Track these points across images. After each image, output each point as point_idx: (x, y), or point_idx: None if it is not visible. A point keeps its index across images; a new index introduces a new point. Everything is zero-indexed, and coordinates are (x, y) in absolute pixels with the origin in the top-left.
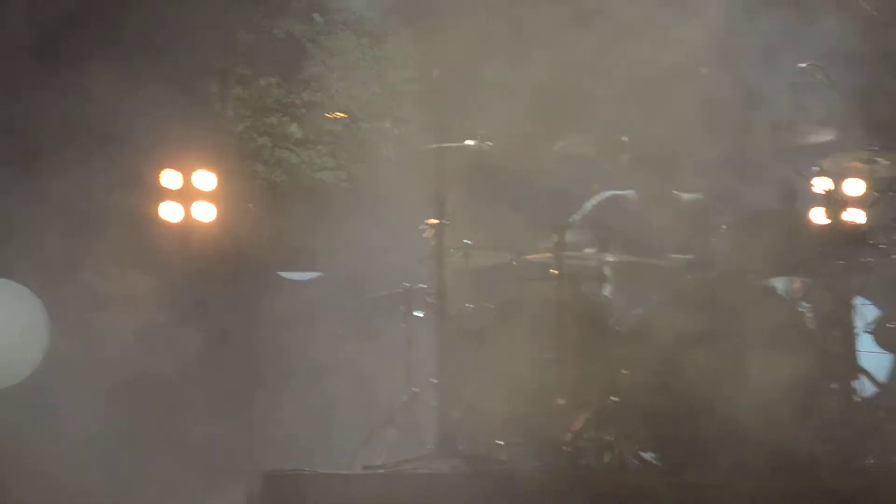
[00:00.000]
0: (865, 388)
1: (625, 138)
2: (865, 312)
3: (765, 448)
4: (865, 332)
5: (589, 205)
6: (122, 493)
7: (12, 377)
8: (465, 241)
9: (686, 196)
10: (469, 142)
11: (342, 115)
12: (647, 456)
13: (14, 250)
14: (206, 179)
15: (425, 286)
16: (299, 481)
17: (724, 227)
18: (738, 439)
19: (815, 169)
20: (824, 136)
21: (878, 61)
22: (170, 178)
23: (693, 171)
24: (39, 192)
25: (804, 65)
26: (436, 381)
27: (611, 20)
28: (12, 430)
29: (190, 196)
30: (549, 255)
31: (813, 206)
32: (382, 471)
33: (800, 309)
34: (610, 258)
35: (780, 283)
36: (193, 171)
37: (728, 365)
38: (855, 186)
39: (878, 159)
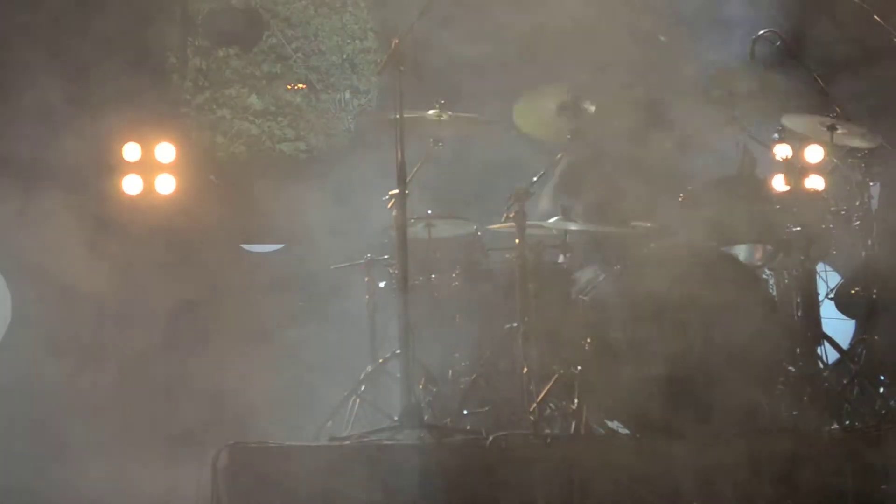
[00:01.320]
0: (828, 354)
1: (591, 107)
2: (827, 279)
3: (730, 415)
4: (828, 298)
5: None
6: (85, 464)
7: None
8: (428, 211)
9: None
10: (429, 112)
11: (302, 85)
12: (612, 424)
13: None
14: (165, 151)
15: (388, 257)
16: (263, 453)
17: (682, 194)
18: (702, 406)
19: (775, 136)
20: (784, 104)
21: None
22: (130, 151)
23: (653, 140)
24: None
25: (763, 31)
26: (399, 351)
27: None
28: None
29: (150, 168)
30: (512, 224)
31: (773, 173)
32: (348, 442)
33: (762, 276)
34: (572, 227)
35: (741, 251)
36: (153, 143)
37: (691, 333)
38: (814, 153)
39: (838, 126)
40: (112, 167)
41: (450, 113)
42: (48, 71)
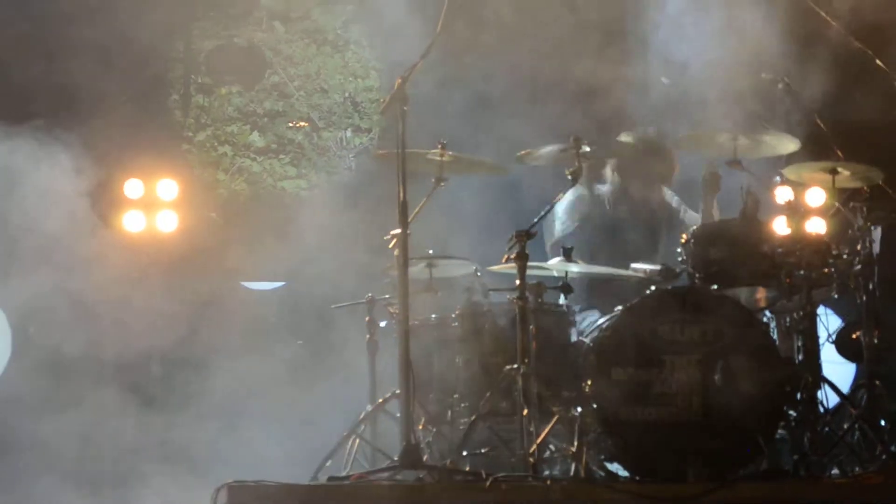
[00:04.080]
0: (829, 398)
1: (586, 148)
2: (828, 323)
3: (730, 458)
4: (828, 341)
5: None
6: (85, 496)
7: None
8: (429, 251)
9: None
10: (432, 153)
11: (303, 123)
12: (612, 466)
13: None
14: (168, 188)
15: (388, 296)
16: (262, 492)
17: (684, 236)
18: (702, 450)
19: (777, 179)
20: (786, 147)
21: (841, 72)
22: (132, 187)
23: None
24: None
25: (766, 75)
26: (399, 391)
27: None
28: None
29: (152, 205)
30: (512, 265)
31: (775, 216)
32: (347, 482)
33: (763, 319)
34: (574, 269)
35: (742, 293)
36: (155, 180)
37: (692, 376)
38: (816, 196)
39: (840, 170)
40: (114, 203)
41: (451, 153)
42: (50, 106)
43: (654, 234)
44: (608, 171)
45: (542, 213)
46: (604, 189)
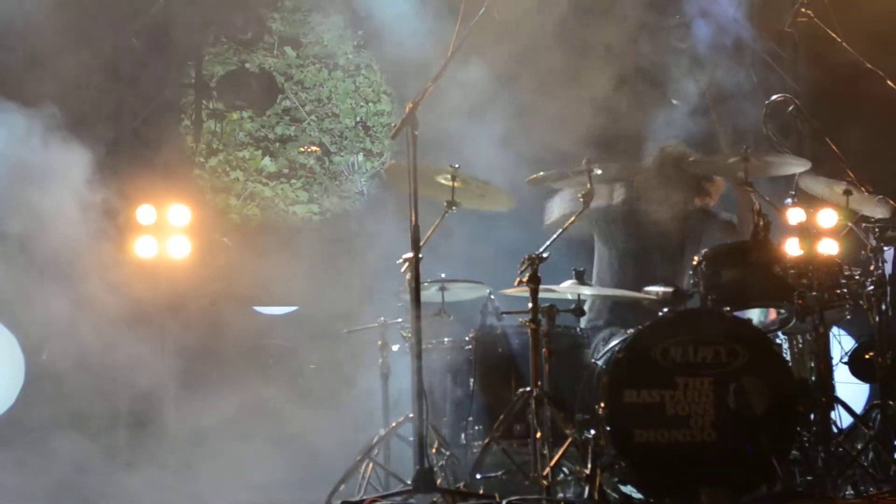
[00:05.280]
0: (842, 418)
1: (598, 171)
2: (841, 343)
3: (744, 480)
4: (842, 362)
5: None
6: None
7: None
8: (441, 274)
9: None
10: (443, 178)
11: (315, 148)
12: (626, 489)
13: None
14: (180, 214)
15: (401, 320)
16: None
17: (696, 258)
18: (717, 471)
19: (789, 201)
20: (798, 168)
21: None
22: (144, 213)
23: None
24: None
25: (777, 96)
26: (412, 415)
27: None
28: None
29: (164, 231)
30: (526, 288)
31: (787, 237)
32: None
33: (776, 340)
34: (586, 291)
35: (755, 315)
36: (167, 205)
37: (705, 397)
38: (828, 217)
39: (852, 191)
40: (126, 229)
41: (464, 177)
42: (62, 132)
43: (668, 256)
44: (605, 189)
45: (554, 236)
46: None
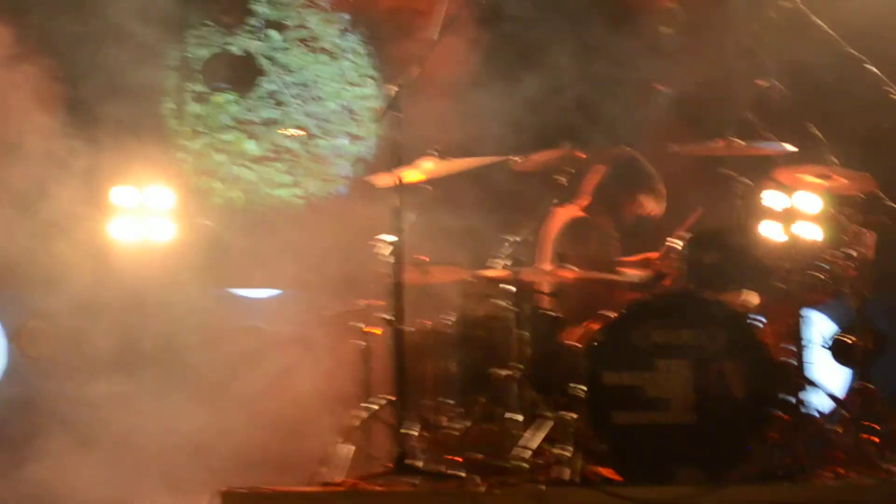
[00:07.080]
0: (821, 402)
1: (580, 154)
2: (823, 327)
3: (722, 462)
4: (822, 346)
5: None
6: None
7: None
8: (422, 257)
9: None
10: (426, 161)
11: (299, 132)
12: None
13: None
14: (163, 196)
15: (382, 303)
16: (256, 499)
17: (678, 241)
18: (696, 453)
19: (771, 185)
20: (779, 152)
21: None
22: (126, 195)
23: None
24: None
25: (761, 80)
26: (393, 398)
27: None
28: None
29: (146, 213)
30: (507, 271)
31: (768, 221)
32: (341, 488)
33: (756, 323)
34: (567, 274)
35: (735, 298)
36: (150, 188)
37: (685, 379)
38: (810, 202)
39: (835, 175)
40: (107, 212)
41: (446, 159)
42: (44, 114)
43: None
44: None
45: (535, 221)
46: None
